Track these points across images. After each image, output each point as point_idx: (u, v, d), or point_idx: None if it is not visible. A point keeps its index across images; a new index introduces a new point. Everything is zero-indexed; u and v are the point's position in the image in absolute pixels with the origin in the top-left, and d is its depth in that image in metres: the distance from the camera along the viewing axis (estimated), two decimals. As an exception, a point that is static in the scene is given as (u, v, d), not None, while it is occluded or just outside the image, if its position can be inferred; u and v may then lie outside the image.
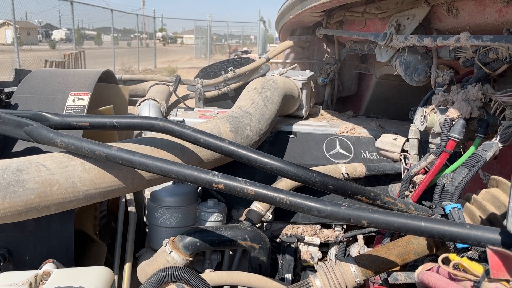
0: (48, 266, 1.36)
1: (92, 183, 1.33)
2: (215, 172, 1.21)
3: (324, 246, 1.99)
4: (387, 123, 2.26)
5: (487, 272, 0.78)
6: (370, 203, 1.30)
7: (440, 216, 1.18)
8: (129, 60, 21.17)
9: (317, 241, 1.93)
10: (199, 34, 30.98)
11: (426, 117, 1.44)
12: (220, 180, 1.19)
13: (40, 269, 1.33)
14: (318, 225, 1.95)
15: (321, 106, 2.44)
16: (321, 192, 1.69)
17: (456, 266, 0.83)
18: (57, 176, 1.28)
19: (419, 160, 1.48)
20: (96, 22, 24.89)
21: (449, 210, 1.15)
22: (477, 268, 0.81)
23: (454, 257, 0.84)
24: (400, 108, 2.39)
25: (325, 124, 2.10)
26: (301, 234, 1.93)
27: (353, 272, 1.28)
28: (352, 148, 1.97)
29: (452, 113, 1.35)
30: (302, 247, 1.95)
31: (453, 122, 1.35)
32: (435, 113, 1.43)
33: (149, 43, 30.84)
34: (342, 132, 2.01)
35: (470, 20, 1.39)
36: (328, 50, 2.70)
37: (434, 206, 1.20)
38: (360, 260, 1.31)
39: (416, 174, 1.44)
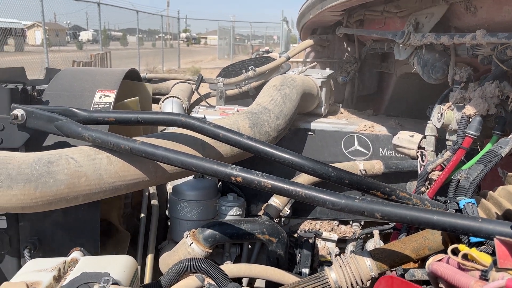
0: (75, 254, 1.43)
1: (118, 175, 1.40)
2: (234, 165, 1.26)
3: (341, 242, 2.01)
4: (407, 121, 2.26)
5: (494, 262, 0.80)
6: (385, 198, 1.32)
7: (454, 211, 1.19)
8: (154, 60, 21.50)
9: (335, 237, 1.96)
10: (222, 34, 31.18)
11: (443, 114, 1.45)
12: (238, 173, 1.24)
13: (68, 257, 1.41)
14: (335, 221, 1.98)
15: (340, 105, 2.46)
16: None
17: (465, 257, 0.86)
18: (84, 168, 1.35)
19: (435, 157, 1.49)
20: (122, 23, 25.35)
21: (463, 205, 1.16)
22: (486, 258, 0.83)
23: (463, 248, 0.86)
24: (421, 106, 2.38)
25: (344, 122, 2.13)
26: (319, 229, 1.96)
27: (368, 266, 1.30)
28: (371, 145, 1.99)
29: (469, 110, 1.36)
30: (320, 243, 1.98)
31: (470, 119, 1.36)
32: (452, 110, 1.44)
33: (173, 43, 31.22)
34: (360, 130, 2.03)
35: (488, 17, 1.39)
36: (349, 49, 2.72)
37: (448, 201, 1.22)
38: (375, 254, 1.34)
39: (433, 170, 1.46)
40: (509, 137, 1.26)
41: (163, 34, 24.64)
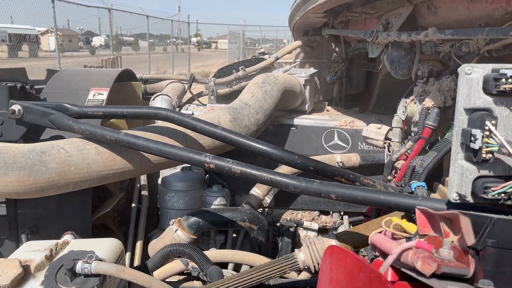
0: (67, 237, 1.57)
1: (105, 165, 1.53)
2: (207, 153, 1.38)
3: (323, 232, 2.11)
4: (389, 117, 2.36)
5: (417, 233, 0.90)
6: (349, 184, 1.43)
7: (408, 193, 1.29)
8: (164, 65, 21.75)
9: (315, 226, 2.06)
10: (232, 38, 31.38)
11: (407, 107, 1.55)
12: (211, 160, 1.36)
13: (60, 239, 1.54)
14: (316, 211, 2.08)
15: (326, 102, 2.57)
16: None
17: (397, 227, 0.96)
18: (74, 158, 1.49)
19: (400, 147, 1.59)
20: (134, 28, 25.67)
21: (415, 188, 1.27)
22: (412, 228, 0.93)
23: (395, 220, 0.97)
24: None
25: (326, 118, 2.23)
26: (300, 219, 2.07)
27: (333, 246, 1.41)
28: (350, 140, 2.09)
29: (428, 102, 1.46)
30: (302, 232, 2.08)
31: (429, 111, 1.46)
32: (415, 103, 1.54)
33: (184, 48, 31.51)
34: (341, 125, 2.13)
35: (447, 16, 1.50)
36: (336, 49, 2.83)
37: (403, 185, 1.32)
38: (340, 236, 1.45)
39: (397, 160, 1.56)
40: (454, 127, 1.35)
41: (173, 39, 24.93)
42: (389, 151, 1.64)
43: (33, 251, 1.45)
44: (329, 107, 2.54)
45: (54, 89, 1.93)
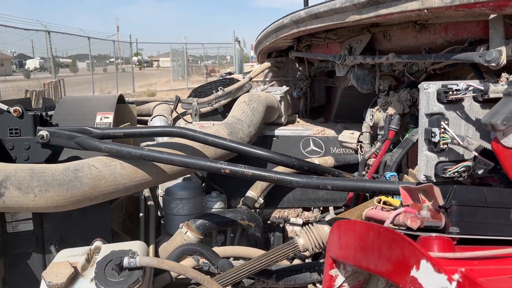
0: (97, 243, 1.79)
1: (129, 177, 1.78)
2: (222, 161, 1.68)
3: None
4: (351, 125, 2.77)
5: (402, 204, 1.26)
6: (336, 179, 1.78)
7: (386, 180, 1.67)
8: (107, 85, 21.41)
9: (300, 221, 2.41)
10: (175, 56, 31.44)
11: (374, 115, 1.95)
12: (226, 166, 1.66)
13: (92, 245, 1.76)
14: (300, 209, 2.43)
15: (297, 115, 2.94)
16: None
17: (385, 203, 1.32)
18: (103, 173, 1.73)
19: (370, 148, 1.98)
20: (70, 49, 24.94)
21: (389, 177, 1.64)
22: (397, 202, 1.29)
23: (383, 198, 1.33)
24: (362, 113, 2.90)
25: (301, 128, 2.60)
26: (287, 216, 2.41)
27: (326, 231, 1.75)
28: (323, 145, 2.46)
29: (391, 110, 1.85)
30: (288, 227, 2.42)
31: (392, 117, 1.86)
32: (379, 112, 1.94)
33: (125, 67, 31.06)
34: (314, 134, 2.51)
35: (399, 43, 1.91)
36: (300, 68, 3.23)
37: (379, 176, 1.70)
38: (331, 222, 1.79)
39: (369, 158, 1.94)
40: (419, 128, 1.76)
41: (115, 58, 24.62)
42: (361, 152, 2.03)
43: (72, 255, 1.67)
44: (299, 119, 2.91)
45: (63, 115, 2.14)
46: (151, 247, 2.14)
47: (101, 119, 2.15)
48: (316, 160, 2.31)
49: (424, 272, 0.85)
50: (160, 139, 2.19)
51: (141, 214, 2.22)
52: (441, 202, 1.13)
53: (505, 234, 1.09)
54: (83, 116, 2.15)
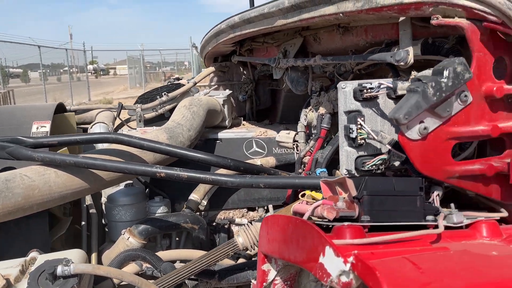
0: (33, 253, 1.76)
1: (64, 186, 1.76)
2: (157, 165, 1.70)
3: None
4: (294, 126, 2.85)
5: (323, 198, 1.33)
6: (271, 178, 1.84)
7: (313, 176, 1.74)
8: (62, 95, 20.74)
9: (245, 221, 2.45)
10: (132, 63, 30.90)
11: (307, 115, 2.02)
12: (161, 170, 1.68)
13: (27, 256, 1.73)
14: (245, 209, 2.48)
15: (242, 118, 2.99)
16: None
17: (310, 198, 1.39)
18: (37, 182, 1.71)
19: (305, 146, 2.06)
20: (21, 59, 24.03)
21: (319, 173, 1.72)
22: (319, 196, 1.36)
23: (308, 192, 1.39)
24: (304, 113, 2.99)
25: (244, 130, 2.66)
26: (232, 217, 2.45)
27: (264, 228, 1.80)
28: (266, 146, 2.53)
29: (321, 110, 1.94)
30: (234, 228, 2.46)
31: (323, 117, 1.94)
32: (312, 112, 2.02)
33: (80, 76, 30.22)
34: (257, 135, 2.57)
35: (327, 45, 2.00)
36: (245, 72, 3.29)
37: (311, 172, 1.77)
38: (268, 219, 1.85)
39: (304, 156, 2.01)
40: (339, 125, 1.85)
41: (69, 67, 23.93)
42: (297, 150, 2.10)
43: (6, 268, 1.63)
44: (244, 122, 2.97)
45: (-3, 125, 2.09)
46: (94, 255, 2.12)
47: (37, 128, 2.12)
48: (258, 161, 2.37)
49: (328, 258, 0.92)
50: (100, 146, 2.18)
51: (83, 223, 2.20)
52: (354, 193, 1.20)
53: (413, 219, 1.18)
54: (18, 125, 2.11)
